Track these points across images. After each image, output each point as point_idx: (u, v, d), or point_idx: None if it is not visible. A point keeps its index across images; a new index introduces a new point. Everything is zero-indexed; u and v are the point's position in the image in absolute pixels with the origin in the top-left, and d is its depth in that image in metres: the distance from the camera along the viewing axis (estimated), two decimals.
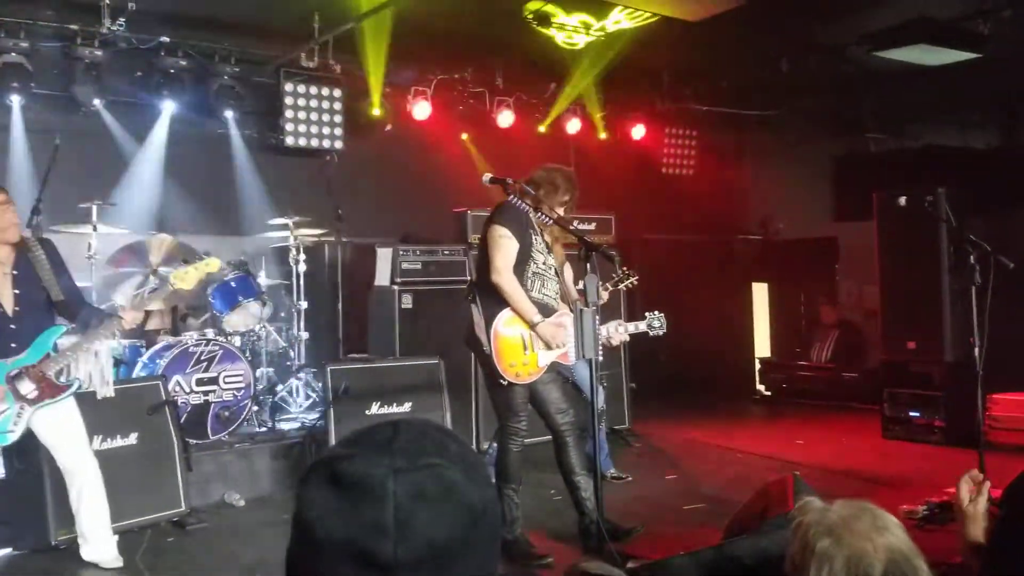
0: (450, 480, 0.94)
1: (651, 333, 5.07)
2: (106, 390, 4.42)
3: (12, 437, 4.07)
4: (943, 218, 6.51)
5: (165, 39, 6.96)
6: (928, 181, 7.21)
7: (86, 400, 4.42)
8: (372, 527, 0.89)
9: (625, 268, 5.31)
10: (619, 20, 7.07)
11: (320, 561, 0.91)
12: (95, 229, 6.12)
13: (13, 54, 6.42)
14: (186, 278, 4.33)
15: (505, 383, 4.42)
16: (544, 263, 4.58)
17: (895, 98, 8.79)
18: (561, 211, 4.63)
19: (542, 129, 9.10)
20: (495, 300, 4.43)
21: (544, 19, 7.01)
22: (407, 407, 6.04)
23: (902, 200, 7.24)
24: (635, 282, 5.32)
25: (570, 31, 7.23)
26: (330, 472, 0.93)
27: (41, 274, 4.16)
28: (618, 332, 5.01)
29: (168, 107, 7.19)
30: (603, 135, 9.37)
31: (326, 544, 0.90)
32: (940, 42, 6.48)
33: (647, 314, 5.08)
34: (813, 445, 7.29)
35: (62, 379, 4.20)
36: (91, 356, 4.26)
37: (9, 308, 4.08)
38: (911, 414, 7.28)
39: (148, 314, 6.20)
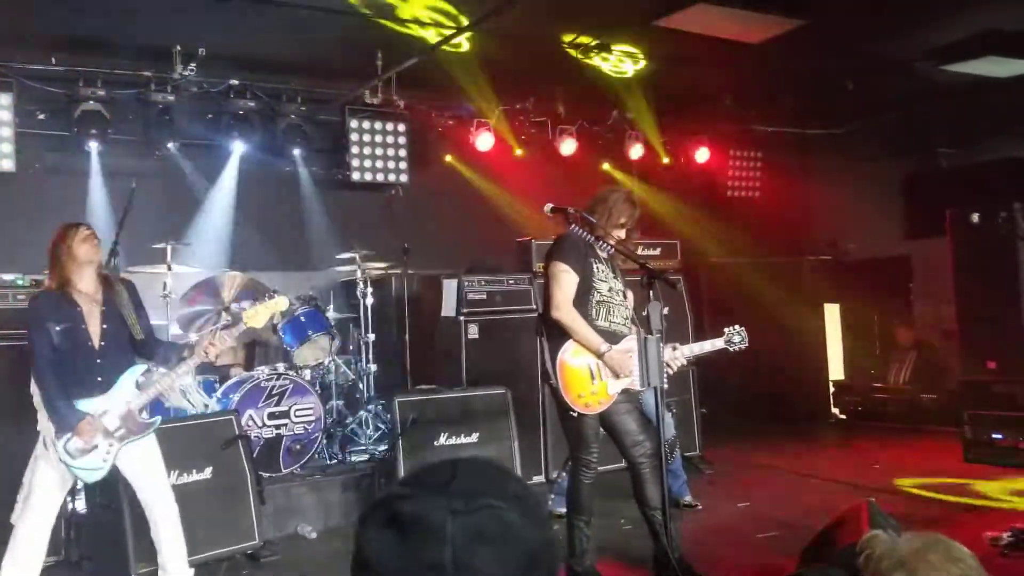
0: (507, 521, 0.94)
1: (731, 349, 4.67)
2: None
3: (101, 474, 4.20)
4: (1019, 234, 6.31)
5: (234, 82, 7.22)
6: (1003, 196, 6.99)
7: (162, 436, 4.54)
8: (430, 567, 0.90)
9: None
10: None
11: None
12: (170, 268, 6.32)
13: (92, 102, 6.71)
14: (256, 317, 4.42)
15: (575, 414, 4.39)
16: (609, 290, 4.51)
17: (967, 112, 8.56)
18: (622, 233, 4.55)
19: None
20: (559, 332, 4.41)
21: (582, 48, 7.01)
22: (475, 437, 6.06)
23: (975, 216, 7.04)
24: None
25: (616, 60, 7.24)
26: (389, 512, 0.95)
27: (124, 312, 4.29)
28: (677, 359, 4.59)
29: (238, 147, 7.41)
30: (666, 160, 9.33)
31: None
32: (1009, 53, 6.32)
33: (725, 330, 4.69)
34: (891, 469, 7.07)
35: (144, 416, 4.32)
36: (176, 392, 4.41)
37: (96, 342, 4.19)
38: (993, 436, 7.02)
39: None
